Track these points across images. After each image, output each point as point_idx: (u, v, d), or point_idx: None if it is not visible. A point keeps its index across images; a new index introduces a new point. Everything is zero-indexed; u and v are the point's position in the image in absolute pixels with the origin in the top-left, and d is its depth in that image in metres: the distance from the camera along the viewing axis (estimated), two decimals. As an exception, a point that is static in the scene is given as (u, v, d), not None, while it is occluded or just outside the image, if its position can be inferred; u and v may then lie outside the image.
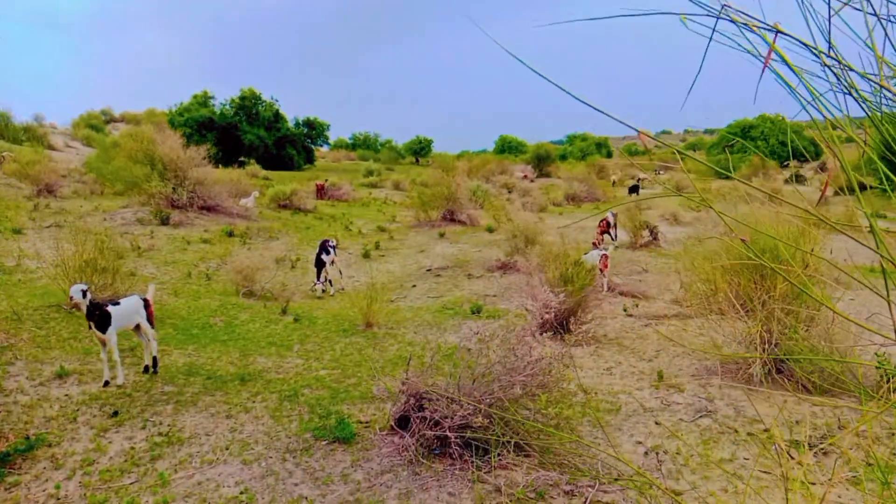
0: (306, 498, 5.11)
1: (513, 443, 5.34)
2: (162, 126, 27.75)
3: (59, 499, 5.05)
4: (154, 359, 7.84)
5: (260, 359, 8.75)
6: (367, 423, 6.52)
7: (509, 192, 33.87)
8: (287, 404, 7.04)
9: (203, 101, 49.96)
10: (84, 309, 7.18)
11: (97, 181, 25.75)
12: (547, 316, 8.39)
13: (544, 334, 6.71)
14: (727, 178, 2.41)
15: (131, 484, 5.29)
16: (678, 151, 1.92)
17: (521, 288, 12.33)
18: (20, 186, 23.66)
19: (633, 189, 33.92)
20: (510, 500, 4.89)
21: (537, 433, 5.51)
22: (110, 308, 7.38)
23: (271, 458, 5.78)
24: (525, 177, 43.91)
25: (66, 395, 7.02)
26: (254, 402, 7.07)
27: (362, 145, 73.34)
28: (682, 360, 8.56)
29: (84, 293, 7.05)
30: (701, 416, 6.68)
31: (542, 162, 51.52)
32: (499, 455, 5.36)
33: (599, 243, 16.38)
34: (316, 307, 12.27)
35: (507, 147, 69.83)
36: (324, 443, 6.03)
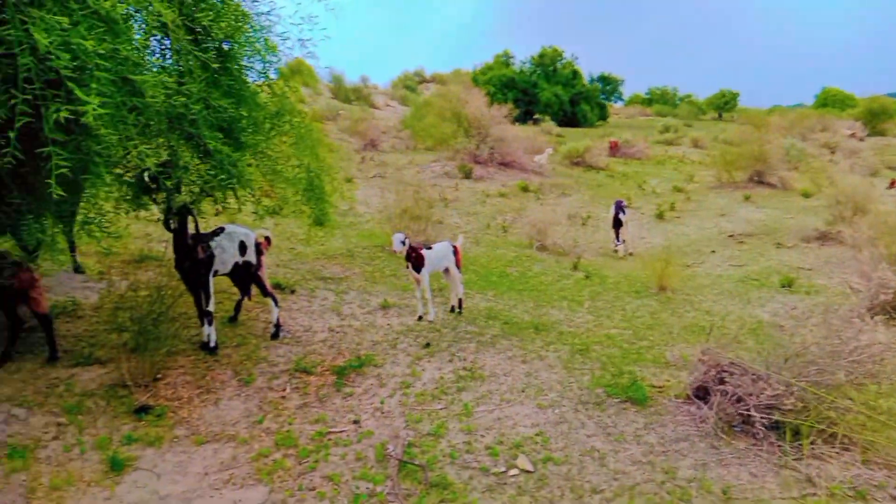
0: (598, 451, 5.23)
1: (831, 433, 4.82)
2: (468, 86, 29.48)
3: (383, 412, 5.85)
4: (459, 301, 8.56)
5: (552, 310, 9.05)
6: (660, 387, 6.40)
7: (832, 152, 29.78)
8: (579, 357, 7.22)
9: (504, 60, 51.94)
10: (402, 253, 8.06)
11: (411, 137, 28.45)
12: (884, 297, 7.31)
13: (875, 318, 5.88)
14: None
15: (440, 409, 5.91)
16: None
17: (844, 262, 10.90)
18: (350, 141, 27.19)
19: None
20: (824, 494, 4.46)
21: (861, 426, 4.91)
22: (425, 252, 8.19)
23: (564, 406, 6.00)
24: (853, 135, 38.15)
25: (388, 324, 8.03)
26: (547, 350, 7.37)
27: (659, 100, 70.03)
28: None
29: (403, 241, 7.88)
30: None
31: (875, 118, 44.14)
32: (812, 443, 4.89)
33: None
34: (606, 265, 12.25)
35: (831, 101, 61.15)
36: (616, 400, 6.08)
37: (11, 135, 3.88)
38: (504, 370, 6.77)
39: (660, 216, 17.03)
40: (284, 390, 6.11)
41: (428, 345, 7.39)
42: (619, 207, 13.34)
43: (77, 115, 4.02)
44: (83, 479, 4.51)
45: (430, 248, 8.33)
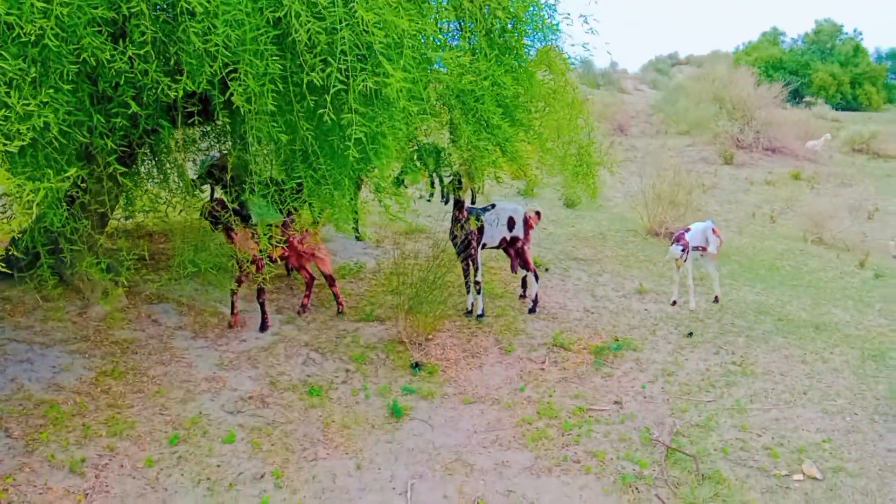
0: (904, 468, 4.54)
1: None
2: (732, 67, 27.44)
3: (645, 397, 5.66)
4: (716, 297, 8.00)
5: (834, 310, 8.05)
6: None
7: None
8: (871, 363, 6.34)
9: (773, 38, 47.28)
10: (683, 259, 7.54)
11: (663, 121, 27.18)
12: None
13: None
14: None
15: (709, 402, 5.56)
16: None
17: None
18: (598, 126, 26.70)
19: None
20: None
21: None
22: (685, 234, 7.74)
23: (857, 414, 5.31)
24: None
25: (645, 309, 7.75)
26: (831, 353, 6.57)
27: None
28: None
29: (683, 250, 7.43)
30: None
31: None
32: None
33: None
34: (901, 266, 10.61)
35: None
36: (924, 416, 5.24)
37: (328, 98, 4.32)
38: (780, 369, 6.17)
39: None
40: (543, 363, 6.18)
41: (690, 334, 6.99)
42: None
43: (379, 87, 4.37)
44: (368, 421, 4.98)
45: (688, 229, 7.87)
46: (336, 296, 6.73)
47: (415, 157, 7.55)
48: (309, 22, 4.18)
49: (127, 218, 7.02)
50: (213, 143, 7.69)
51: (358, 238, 9.08)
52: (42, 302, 5.91)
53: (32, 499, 3.75)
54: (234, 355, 5.70)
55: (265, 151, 5.09)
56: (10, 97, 3.57)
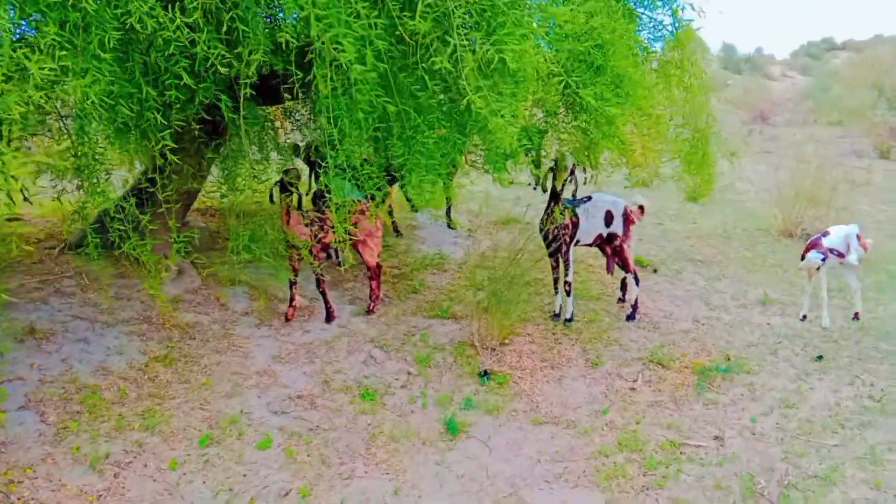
0: None
1: None
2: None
3: (753, 434, 4.73)
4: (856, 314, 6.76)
5: None
6: None
7: None
8: None
9: (950, 16, 41.81)
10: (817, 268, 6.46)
11: (811, 110, 24.67)
12: None
13: None
14: None
15: (834, 446, 4.56)
16: None
17: None
18: (737, 113, 24.60)
19: None
20: None
21: None
22: (822, 239, 6.59)
23: None
24: None
25: (768, 323, 6.68)
26: None
27: None
28: None
29: (823, 259, 6.35)
30: None
31: None
32: None
33: None
34: None
35: None
36: None
37: (445, 63, 3.73)
38: (938, 410, 5.01)
39: None
40: (635, 381, 5.38)
41: (820, 357, 5.90)
42: None
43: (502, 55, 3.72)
44: (419, 436, 4.44)
45: (826, 233, 6.70)
46: (372, 290, 6.08)
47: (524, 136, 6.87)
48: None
49: (223, 196, 6.85)
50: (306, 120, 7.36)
51: (450, 226, 8.55)
52: (118, 279, 5.84)
53: (43, 496, 3.52)
54: (294, 347, 5.35)
55: (356, 130, 4.55)
56: (29, 60, 3.29)
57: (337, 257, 7.04)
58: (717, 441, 4.61)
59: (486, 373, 5.17)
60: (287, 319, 5.71)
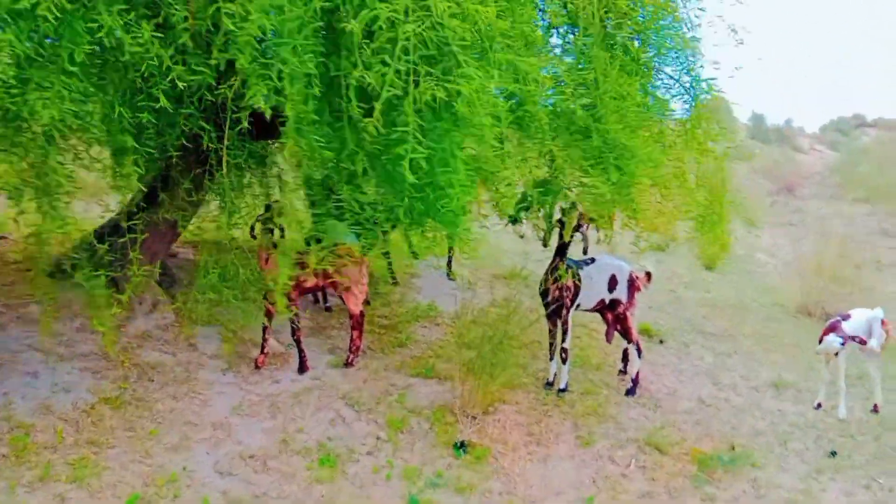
0: None
1: None
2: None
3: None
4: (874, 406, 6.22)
5: None
6: None
7: None
8: None
9: (985, 101, 41.45)
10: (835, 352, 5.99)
11: (839, 185, 24.20)
12: None
13: None
14: None
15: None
16: None
17: None
18: (762, 183, 24.17)
19: None
20: None
21: None
22: (843, 323, 6.10)
23: None
24: None
25: (779, 409, 6.16)
26: None
27: None
28: None
29: (843, 343, 5.88)
30: None
31: None
32: None
33: None
34: None
35: None
36: None
37: (378, 105, 3.41)
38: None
39: None
40: (628, 466, 4.88)
41: (834, 453, 5.38)
42: None
43: (450, 97, 3.40)
44: (377, 514, 3.99)
45: (847, 317, 6.22)
46: (353, 341, 5.59)
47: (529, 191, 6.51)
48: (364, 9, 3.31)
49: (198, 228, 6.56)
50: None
51: (450, 276, 8.16)
52: (87, 309, 5.51)
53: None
54: (257, 398, 4.94)
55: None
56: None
57: (325, 301, 6.69)
58: (712, 546, 4.09)
59: (462, 444, 4.71)
60: (257, 367, 5.30)
